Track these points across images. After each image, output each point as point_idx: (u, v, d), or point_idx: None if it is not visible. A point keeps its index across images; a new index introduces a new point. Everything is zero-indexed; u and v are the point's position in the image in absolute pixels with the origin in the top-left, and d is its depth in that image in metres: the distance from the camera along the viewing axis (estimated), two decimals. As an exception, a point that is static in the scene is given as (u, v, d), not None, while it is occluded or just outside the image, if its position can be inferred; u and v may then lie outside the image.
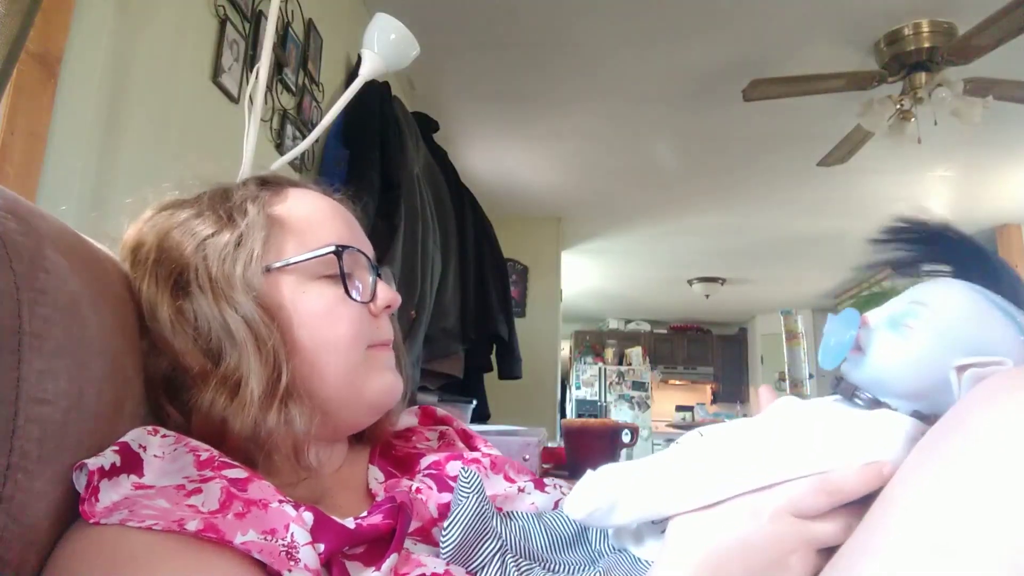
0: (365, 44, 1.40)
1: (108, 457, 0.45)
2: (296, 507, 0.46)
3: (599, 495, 0.48)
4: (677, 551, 0.44)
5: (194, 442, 0.50)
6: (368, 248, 0.64)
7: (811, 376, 4.00)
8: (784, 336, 3.50)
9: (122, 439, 0.47)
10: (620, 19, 2.44)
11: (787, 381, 3.60)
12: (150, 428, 0.50)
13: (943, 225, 0.51)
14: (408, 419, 0.72)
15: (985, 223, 4.38)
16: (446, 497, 0.56)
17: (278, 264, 0.57)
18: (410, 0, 2.25)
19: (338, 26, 2.12)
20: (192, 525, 0.41)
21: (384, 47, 1.38)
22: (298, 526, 0.44)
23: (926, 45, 2.43)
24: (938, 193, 4.00)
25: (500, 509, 0.57)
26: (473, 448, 0.69)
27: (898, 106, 2.57)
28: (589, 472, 0.49)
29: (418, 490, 0.57)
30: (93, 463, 0.44)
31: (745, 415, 7.74)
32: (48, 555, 0.43)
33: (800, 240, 4.95)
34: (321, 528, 0.45)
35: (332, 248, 0.58)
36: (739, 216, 4.55)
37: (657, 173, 3.88)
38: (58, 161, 0.99)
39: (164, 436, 0.50)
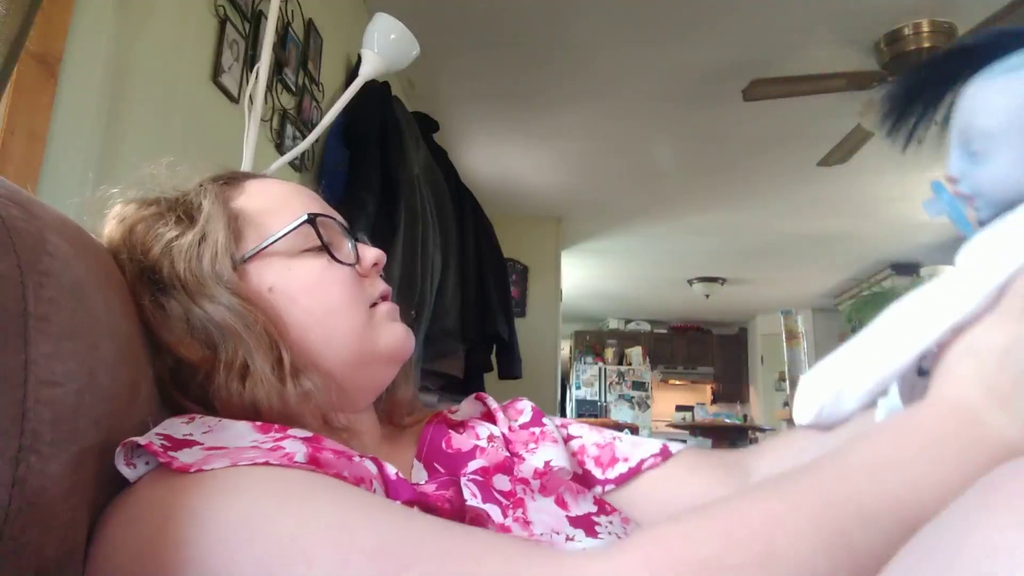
0: (365, 44, 1.40)
1: (154, 439, 0.45)
2: (373, 461, 0.46)
3: (820, 390, 0.43)
4: (941, 380, 0.41)
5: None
6: (340, 218, 0.64)
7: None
8: (784, 336, 3.50)
9: (160, 431, 0.47)
10: (620, 19, 2.44)
11: (787, 381, 3.60)
12: (183, 419, 0.49)
13: (922, 63, 0.48)
14: (471, 409, 0.71)
15: (985, 223, 4.38)
16: (491, 510, 0.53)
17: (251, 252, 0.58)
18: (410, 0, 2.25)
19: (338, 26, 2.12)
20: (300, 458, 0.41)
21: (384, 47, 1.38)
22: (379, 484, 0.45)
23: (926, 45, 2.43)
24: (938, 193, 4.00)
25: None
26: (514, 454, 0.64)
27: (898, 106, 2.57)
28: (802, 379, 0.45)
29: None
30: (143, 439, 0.44)
31: (746, 415, 7.59)
32: (74, 536, 0.42)
33: (800, 240, 4.95)
34: (385, 481, 0.46)
35: (305, 217, 0.59)
36: (739, 216, 4.55)
37: (657, 173, 3.88)
38: (58, 161, 0.99)
39: (201, 418, 0.50)
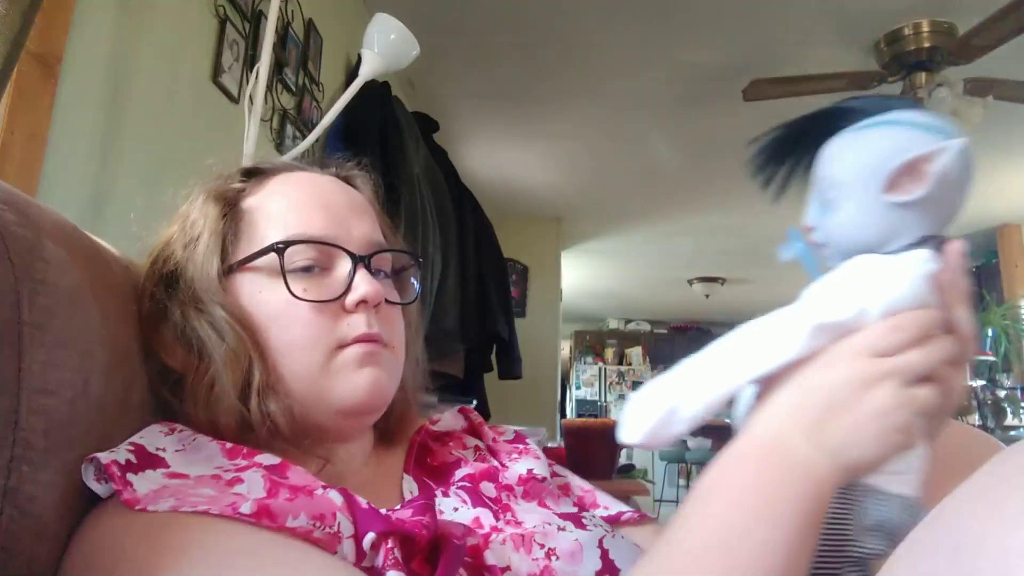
0: (365, 44, 1.40)
1: (122, 453, 0.44)
2: (340, 492, 0.45)
3: (651, 409, 0.44)
4: (760, 413, 0.43)
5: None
6: (357, 235, 0.58)
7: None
8: (784, 336, 3.51)
9: (136, 440, 0.47)
10: (620, 19, 2.44)
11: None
12: (164, 428, 0.50)
13: (795, 120, 0.52)
14: (453, 421, 0.69)
15: (985, 223, 4.38)
16: (483, 514, 0.53)
17: (234, 262, 0.55)
18: (410, 0, 2.25)
19: (338, 26, 2.12)
20: (246, 508, 0.40)
21: (384, 47, 1.38)
22: (344, 516, 0.44)
23: (926, 45, 2.43)
24: (938, 193, 4.00)
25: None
26: (500, 462, 0.65)
27: (898, 106, 2.57)
28: (631, 396, 0.46)
29: (455, 508, 0.54)
30: (106, 457, 0.43)
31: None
32: (63, 546, 0.43)
33: (800, 240, 4.94)
34: (354, 512, 0.45)
35: (272, 245, 0.54)
36: (739, 216, 4.55)
37: (657, 173, 3.88)
38: (58, 161, 0.99)
39: (180, 431, 0.50)
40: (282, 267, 0.54)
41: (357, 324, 0.55)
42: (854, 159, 0.47)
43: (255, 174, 0.61)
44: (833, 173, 0.48)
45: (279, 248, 0.54)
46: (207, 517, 0.40)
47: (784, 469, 0.40)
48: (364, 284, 0.55)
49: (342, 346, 0.54)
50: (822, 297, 0.45)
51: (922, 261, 0.45)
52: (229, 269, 0.55)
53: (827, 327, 0.44)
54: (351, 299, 0.55)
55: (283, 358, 0.53)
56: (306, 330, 0.53)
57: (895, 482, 0.44)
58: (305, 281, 0.54)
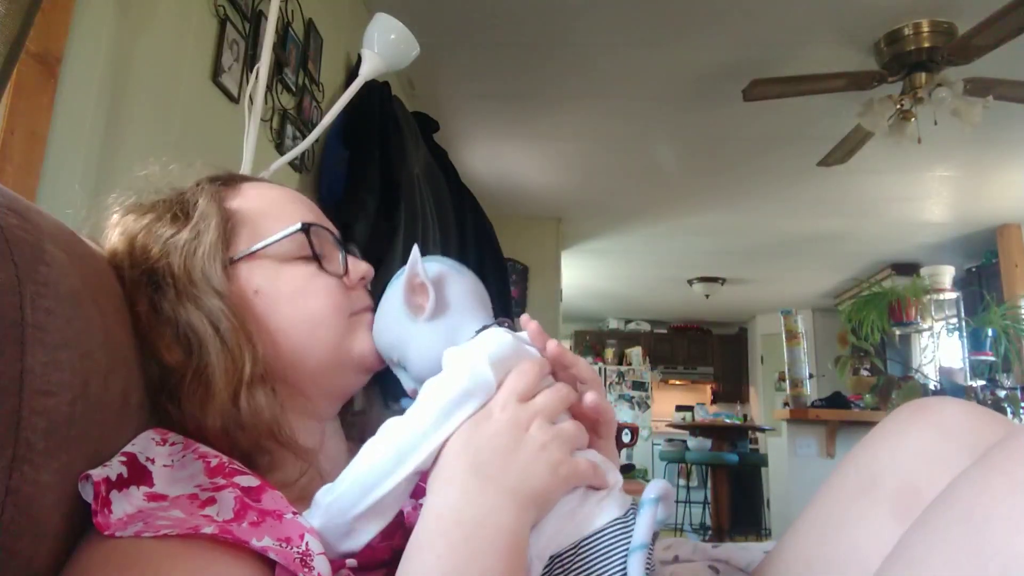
0: (365, 44, 1.40)
1: (115, 468, 0.45)
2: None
3: (317, 511, 0.47)
4: (438, 467, 0.47)
5: (203, 448, 0.51)
6: (333, 228, 0.66)
7: (811, 376, 3.99)
8: (784, 336, 3.49)
9: (128, 449, 0.48)
10: (620, 19, 2.44)
11: (787, 381, 3.59)
12: (157, 437, 0.50)
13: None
14: None
15: (985, 223, 4.38)
16: None
17: (243, 253, 0.59)
18: (410, 0, 2.25)
19: (338, 26, 2.12)
20: (208, 530, 0.42)
21: (384, 47, 1.38)
22: (313, 537, 0.46)
23: (926, 45, 2.43)
24: (938, 193, 4.00)
25: None
26: None
27: (898, 106, 2.57)
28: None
29: None
30: (98, 474, 0.44)
31: (746, 415, 7.59)
32: (61, 547, 0.43)
33: (800, 240, 4.95)
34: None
35: (299, 227, 0.60)
36: (739, 216, 4.55)
37: (657, 173, 3.88)
38: (58, 161, 0.99)
39: (172, 444, 0.51)
40: (311, 244, 0.60)
41: (363, 296, 0.64)
42: (381, 323, 0.59)
43: (223, 180, 0.65)
44: (382, 344, 0.59)
45: (305, 229, 0.60)
46: (165, 540, 0.41)
47: (476, 534, 0.43)
48: (359, 264, 0.64)
49: (353, 314, 0.62)
50: (436, 385, 0.49)
51: (497, 329, 0.52)
52: (231, 260, 0.58)
53: (455, 401, 0.48)
54: (356, 274, 0.63)
55: (300, 332, 0.58)
56: (330, 299, 0.60)
57: (596, 517, 0.47)
58: (314, 262, 0.61)
